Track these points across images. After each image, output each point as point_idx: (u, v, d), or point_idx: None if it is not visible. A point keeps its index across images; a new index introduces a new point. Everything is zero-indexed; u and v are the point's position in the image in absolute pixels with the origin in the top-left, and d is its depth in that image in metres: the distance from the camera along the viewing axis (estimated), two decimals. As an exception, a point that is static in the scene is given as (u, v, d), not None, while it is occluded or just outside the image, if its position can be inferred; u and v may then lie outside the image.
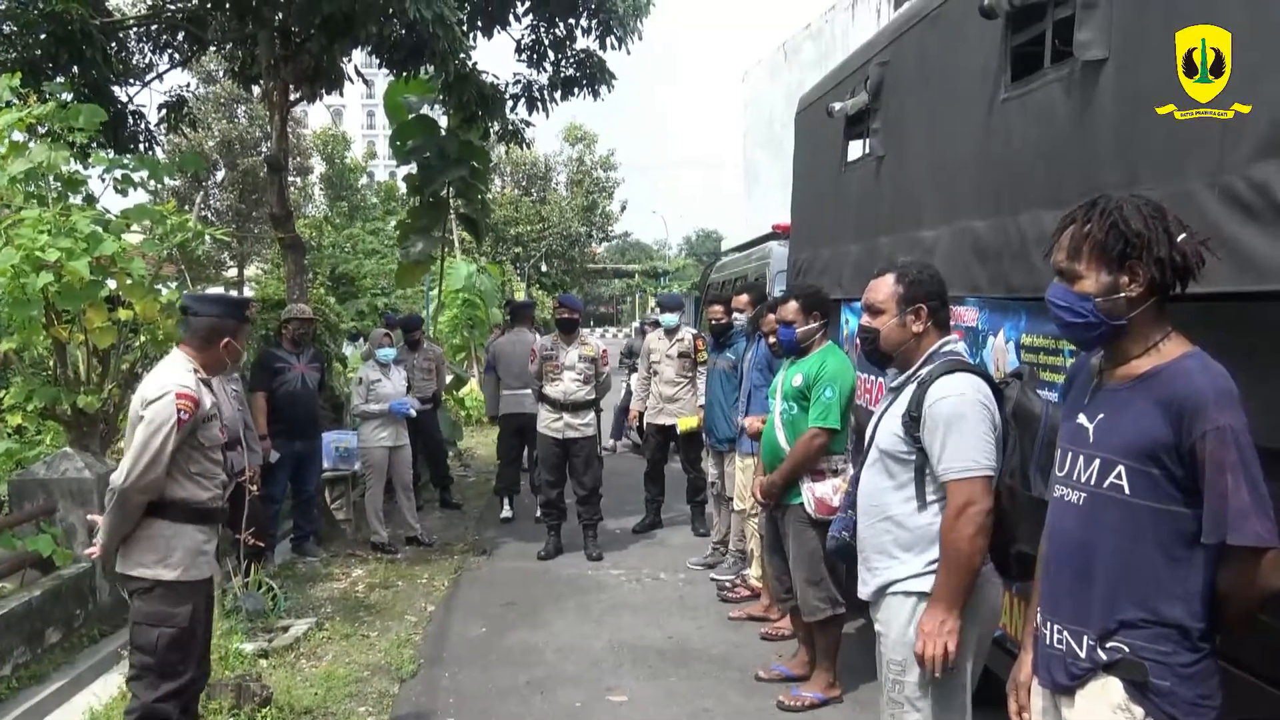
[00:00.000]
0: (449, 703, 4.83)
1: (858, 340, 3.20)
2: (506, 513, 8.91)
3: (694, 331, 8.34)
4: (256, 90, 9.54)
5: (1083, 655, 2.06)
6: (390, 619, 6.07)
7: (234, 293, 18.78)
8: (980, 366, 3.12)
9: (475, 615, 6.17)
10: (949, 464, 2.77)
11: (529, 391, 8.52)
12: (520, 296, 24.66)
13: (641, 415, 8.46)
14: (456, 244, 17.86)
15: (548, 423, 7.51)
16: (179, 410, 3.48)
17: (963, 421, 2.77)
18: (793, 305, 4.60)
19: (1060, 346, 3.10)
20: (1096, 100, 2.89)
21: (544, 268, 37.35)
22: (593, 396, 7.55)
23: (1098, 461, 2.06)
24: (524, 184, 37.16)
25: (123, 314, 5.93)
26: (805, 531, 4.58)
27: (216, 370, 3.80)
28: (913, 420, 2.86)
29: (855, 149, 5.37)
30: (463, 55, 7.78)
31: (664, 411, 8.14)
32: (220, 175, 25.42)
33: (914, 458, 2.87)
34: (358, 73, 8.20)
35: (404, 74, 7.58)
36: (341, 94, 8.51)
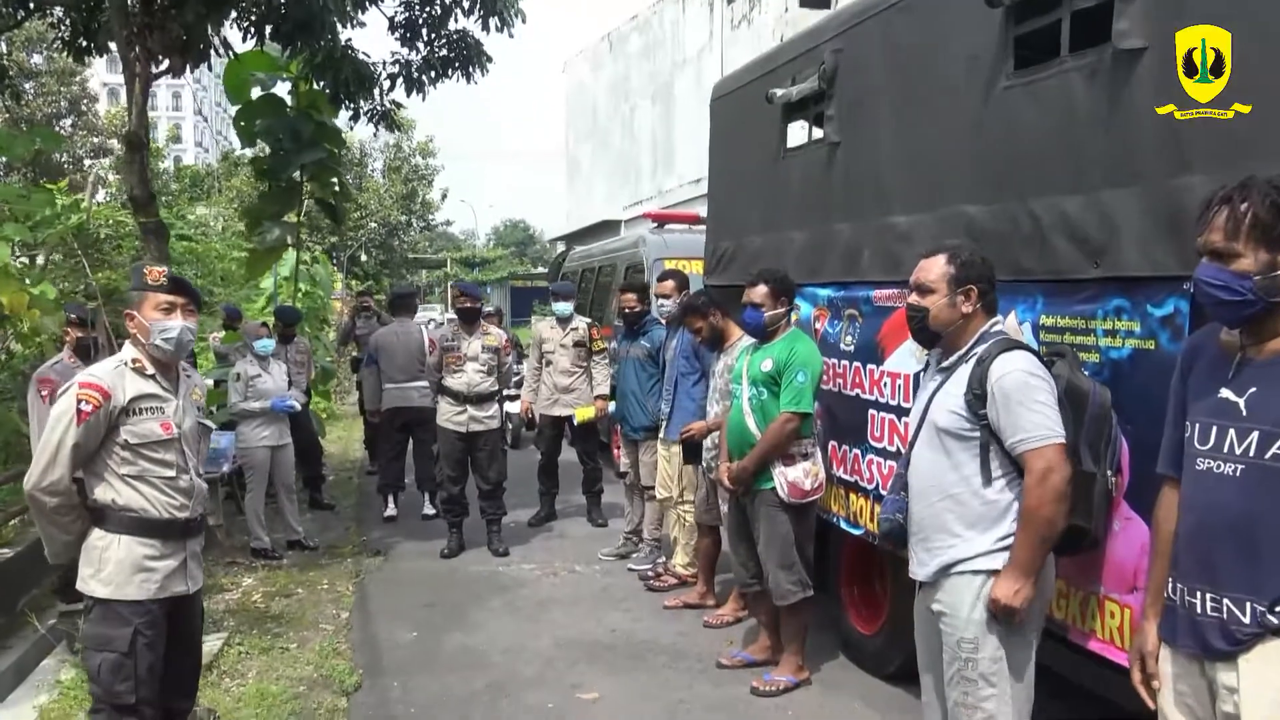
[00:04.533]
0: (410, 713, 4.56)
1: (906, 317, 3.20)
2: (390, 511, 8.51)
3: (588, 321, 8.23)
4: (99, 62, 8.68)
5: (1247, 620, 2.13)
6: (304, 628, 5.67)
7: None
8: (1032, 346, 3.19)
9: (398, 619, 5.85)
10: (1026, 434, 2.82)
11: (415, 385, 8.20)
12: (338, 288, 23.61)
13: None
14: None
15: (450, 416, 7.21)
16: (79, 401, 3.19)
17: (1032, 393, 2.85)
18: (762, 289, 4.58)
19: (1091, 326, 3.20)
20: (1134, 88, 2.99)
21: (363, 257, 35.94)
22: (496, 388, 7.31)
23: (1256, 434, 2.13)
24: (336, 170, 35.57)
25: (-13, 306, 5.29)
26: (777, 515, 4.59)
27: (159, 355, 3.40)
28: (976, 397, 2.90)
29: (795, 135, 5.39)
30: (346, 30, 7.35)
31: (559, 403, 8.00)
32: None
33: (978, 434, 2.91)
34: (225, 44, 7.58)
35: (289, 48, 7.06)
36: (210, 67, 7.86)
